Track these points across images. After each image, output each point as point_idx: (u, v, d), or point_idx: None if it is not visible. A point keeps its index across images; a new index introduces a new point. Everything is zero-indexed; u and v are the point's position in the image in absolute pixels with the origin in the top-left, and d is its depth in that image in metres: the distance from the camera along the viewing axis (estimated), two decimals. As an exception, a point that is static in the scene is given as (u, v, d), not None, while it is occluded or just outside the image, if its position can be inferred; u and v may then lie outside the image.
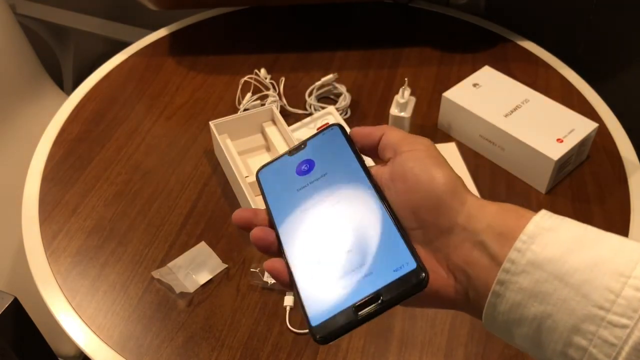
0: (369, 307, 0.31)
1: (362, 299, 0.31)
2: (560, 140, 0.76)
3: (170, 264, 0.71)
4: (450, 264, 0.33)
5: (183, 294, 0.69)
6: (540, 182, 0.78)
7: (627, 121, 0.89)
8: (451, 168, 0.35)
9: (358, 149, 0.39)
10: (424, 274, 0.31)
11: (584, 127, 0.79)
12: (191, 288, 0.69)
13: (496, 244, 0.31)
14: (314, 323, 0.32)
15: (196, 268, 0.71)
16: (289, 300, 0.68)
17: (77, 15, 1.43)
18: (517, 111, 0.81)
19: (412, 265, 0.32)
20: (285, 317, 0.67)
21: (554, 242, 0.30)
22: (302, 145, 0.41)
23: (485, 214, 0.33)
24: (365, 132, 0.39)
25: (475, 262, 0.32)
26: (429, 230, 0.34)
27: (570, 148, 0.76)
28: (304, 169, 0.39)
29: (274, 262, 0.35)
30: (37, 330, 0.73)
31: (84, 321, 0.67)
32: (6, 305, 0.66)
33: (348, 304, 0.32)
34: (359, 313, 0.31)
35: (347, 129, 0.39)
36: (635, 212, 0.77)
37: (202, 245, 0.73)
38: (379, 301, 0.31)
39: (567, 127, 0.78)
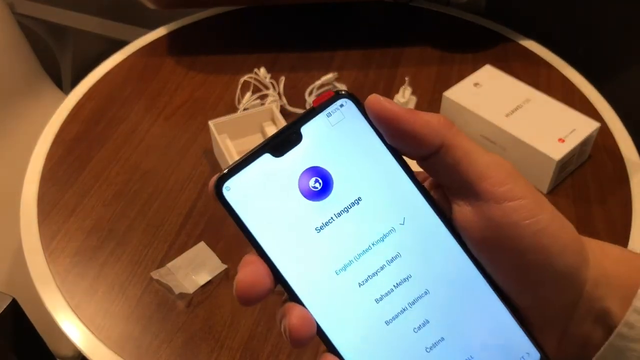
0: None
1: None
2: (561, 140, 0.76)
3: (169, 265, 0.70)
4: (565, 341, 0.26)
5: (182, 295, 0.68)
6: (542, 182, 0.78)
7: (629, 121, 0.89)
8: (562, 215, 0.25)
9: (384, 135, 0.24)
10: None
11: (586, 126, 0.78)
12: (190, 289, 0.69)
13: (620, 308, 0.25)
14: None
15: (195, 268, 0.70)
16: (289, 301, 0.67)
17: (76, 14, 1.43)
18: (518, 111, 0.81)
19: (534, 356, 0.25)
20: (285, 318, 0.66)
21: None
22: (293, 135, 0.24)
23: (605, 272, 0.25)
24: (406, 130, 0.24)
25: (596, 335, 0.26)
26: (547, 309, 0.25)
27: (571, 148, 0.75)
28: (315, 187, 0.24)
29: None
30: (36, 331, 0.73)
31: (82, 322, 0.66)
32: (5, 306, 0.66)
33: None
34: None
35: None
36: (637, 212, 0.77)
37: (202, 246, 0.73)
38: None
39: (568, 126, 0.78)
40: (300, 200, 0.24)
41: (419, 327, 0.24)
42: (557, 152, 0.75)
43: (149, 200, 0.79)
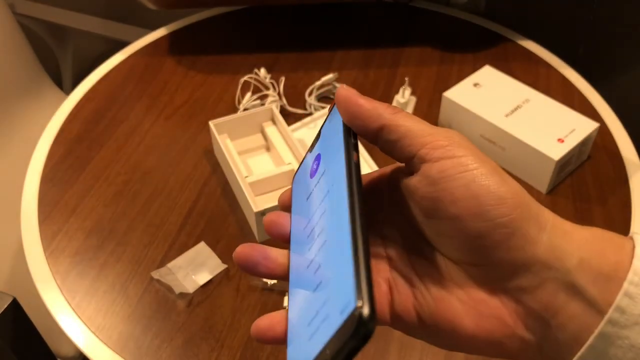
0: None
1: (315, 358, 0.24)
2: (561, 140, 0.76)
3: (169, 265, 0.71)
4: (521, 310, 0.26)
5: (182, 295, 0.69)
6: (541, 182, 0.78)
7: (628, 121, 0.89)
8: (510, 177, 0.26)
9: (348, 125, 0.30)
10: (362, 319, 0.22)
11: (585, 127, 0.78)
12: (191, 288, 0.69)
13: (594, 286, 0.24)
14: None
15: (196, 268, 0.71)
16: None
17: (77, 14, 1.43)
18: (517, 111, 0.81)
19: (351, 304, 0.22)
20: (285, 318, 0.67)
21: None
22: (318, 135, 0.33)
23: (573, 243, 0.25)
24: (354, 111, 0.28)
25: (562, 308, 0.25)
26: (495, 268, 0.26)
27: (571, 148, 0.76)
28: (314, 167, 0.32)
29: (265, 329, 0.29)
30: (36, 331, 0.73)
31: (83, 321, 0.67)
32: (5, 306, 0.66)
33: None
34: None
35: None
36: (637, 212, 0.77)
37: (202, 246, 0.73)
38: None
39: (568, 127, 0.78)
40: (308, 178, 0.32)
41: (315, 271, 0.27)
42: (557, 152, 0.75)
43: (149, 200, 0.80)
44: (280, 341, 0.28)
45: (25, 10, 1.39)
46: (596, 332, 0.24)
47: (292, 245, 0.30)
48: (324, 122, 0.32)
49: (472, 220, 0.25)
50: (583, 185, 0.80)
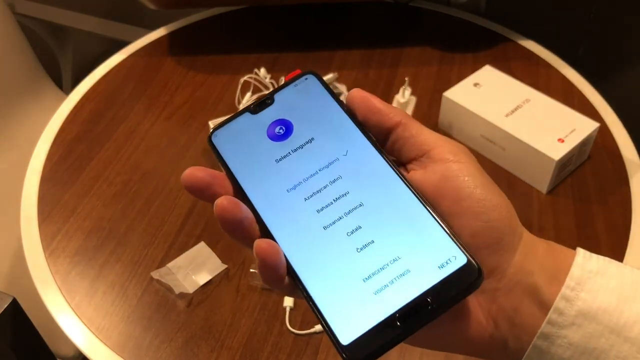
0: (416, 316, 0.25)
1: (405, 306, 0.25)
2: (561, 140, 0.76)
3: (169, 265, 0.71)
4: (494, 309, 0.28)
5: (182, 295, 0.69)
6: (541, 182, 0.78)
7: (628, 121, 0.89)
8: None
9: (357, 117, 0.31)
10: (478, 271, 0.25)
11: (585, 126, 0.78)
12: (190, 288, 0.69)
13: (548, 288, 0.27)
14: (345, 341, 0.25)
15: (196, 268, 0.71)
16: (288, 301, 0.68)
17: (76, 14, 1.43)
18: (518, 111, 0.81)
19: (461, 259, 0.26)
20: (285, 318, 0.67)
21: (605, 289, 0.26)
22: (268, 100, 0.32)
23: (537, 252, 0.28)
24: (374, 106, 0.30)
25: (525, 309, 0.27)
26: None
27: (571, 148, 0.75)
28: (279, 132, 0.30)
29: (268, 248, 0.27)
30: (36, 331, 0.73)
31: (82, 322, 0.66)
32: (5, 306, 0.66)
33: (388, 313, 0.25)
34: (404, 324, 0.25)
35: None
36: (637, 212, 0.77)
37: (202, 246, 0.73)
38: (429, 307, 0.25)
39: (568, 126, 0.78)
40: (267, 141, 0.30)
41: (352, 232, 0.27)
42: (557, 152, 0.75)
43: (149, 200, 0.80)
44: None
45: (25, 10, 1.39)
46: (538, 332, 0.26)
47: (266, 207, 0.29)
48: (278, 89, 0.32)
49: (472, 219, 0.27)
50: (583, 185, 0.80)
